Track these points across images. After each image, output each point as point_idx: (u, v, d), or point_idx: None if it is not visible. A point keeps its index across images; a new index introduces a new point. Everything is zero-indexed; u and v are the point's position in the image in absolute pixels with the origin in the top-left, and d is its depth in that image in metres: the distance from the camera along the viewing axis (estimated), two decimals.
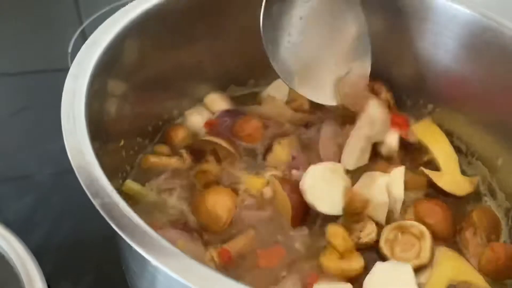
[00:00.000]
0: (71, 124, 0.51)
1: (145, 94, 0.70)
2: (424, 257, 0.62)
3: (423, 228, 0.64)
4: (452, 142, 0.77)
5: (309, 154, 0.71)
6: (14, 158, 0.86)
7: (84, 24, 1.09)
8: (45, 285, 0.63)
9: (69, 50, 1.03)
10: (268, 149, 0.72)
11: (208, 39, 0.75)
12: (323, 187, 0.65)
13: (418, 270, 0.61)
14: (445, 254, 0.63)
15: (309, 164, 0.66)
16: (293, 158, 0.71)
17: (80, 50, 0.59)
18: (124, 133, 0.68)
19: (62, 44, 1.05)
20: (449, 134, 0.78)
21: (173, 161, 0.71)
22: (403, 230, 0.64)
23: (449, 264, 0.62)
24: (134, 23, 0.64)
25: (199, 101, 0.80)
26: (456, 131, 0.78)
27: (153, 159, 0.72)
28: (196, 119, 0.77)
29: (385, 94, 0.77)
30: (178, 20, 0.70)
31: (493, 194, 0.73)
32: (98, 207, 0.44)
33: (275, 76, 0.72)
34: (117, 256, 0.64)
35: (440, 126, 0.79)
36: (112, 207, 0.44)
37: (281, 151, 0.71)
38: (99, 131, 0.57)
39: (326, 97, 0.74)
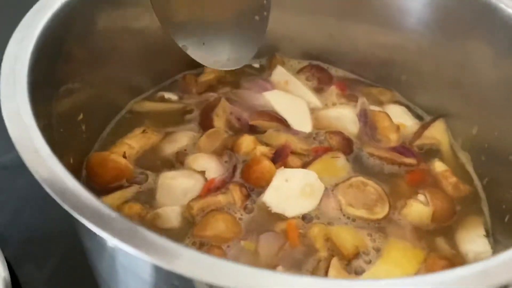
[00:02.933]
0: (11, 88, 0.47)
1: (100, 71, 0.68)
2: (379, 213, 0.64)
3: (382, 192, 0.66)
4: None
5: None
6: None
7: None
8: (6, 269, 0.62)
9: None
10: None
11: None
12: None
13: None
14: (396, 243, 0.62)
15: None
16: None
17: (29, 12, 0.55)
18: (82, 107, 0.65)
19: None
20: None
21: None
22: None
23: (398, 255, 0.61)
24: None
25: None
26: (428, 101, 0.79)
27: None
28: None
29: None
30: None
31: None
32: (39, 180, 0.42)
33: None
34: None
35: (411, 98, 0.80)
36: (54, 181, 0.42)
37: None
38: (49, 105, 0.54)
39: (219, 63, 0.71)
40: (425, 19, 0.72)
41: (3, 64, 0.50)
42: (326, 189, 0.66)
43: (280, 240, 0.60)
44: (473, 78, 0.70)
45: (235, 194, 0.63)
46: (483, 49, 0.68)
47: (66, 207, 0.39)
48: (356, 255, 0.60)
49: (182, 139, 0.71)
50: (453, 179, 0.70)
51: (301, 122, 0.74)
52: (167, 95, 0.78)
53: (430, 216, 0.65)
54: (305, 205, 0.64)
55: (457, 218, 0.66)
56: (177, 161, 0.68)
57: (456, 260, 0.62)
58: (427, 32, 0.73)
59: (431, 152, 0.74)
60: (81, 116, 0.65)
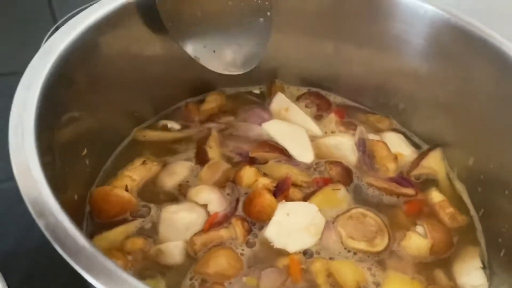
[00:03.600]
0: (19, 138, 0.48)
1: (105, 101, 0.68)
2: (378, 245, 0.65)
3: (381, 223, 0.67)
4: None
5: None
6: None
7: (58, 23, 1.07)
8: None
9: None
10: None
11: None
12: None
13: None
14: (395, 277, 0.63)
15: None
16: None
17: (33, 58, 0.57)
18: (87, 142, 0.66)
19: (36, 44, 1.02)
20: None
21: None
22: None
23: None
24: (91, 29, 0.62)
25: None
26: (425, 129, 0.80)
27: None
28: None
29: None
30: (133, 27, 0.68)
31: None
32: (41, 228, 0.42)
33: None
34: None
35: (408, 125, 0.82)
36: (56, 228, 0.42)
37: None
38: (52, 143, 0.55)
39: (230, 68, 0.74)
40: (422, 49, 0.73)
41: (11, 113, 0.50)
42: (327, 222, 0.67)
43: (282, 276, 0.62)
44: (469, 108, 0.71)
45: (238, 229, 0.64)
46: (478, 80, 0.69)
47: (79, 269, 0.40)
48: None
49: (182, 170, 0.72)
50: (450, 210, 0.71)
51: (302, 152, 0.76)
52: (170, 124, 0.79)
53: (429, 249, 0.66)
54: (307, 240, 0.65)
55: (454, 249, 0.68)
56: (180, 194, 0.69)
57: None
58: (424, 61, 0.74)
59: (428, 182, 0.75)
60: (85, 152, 0.66)
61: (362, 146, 0.76)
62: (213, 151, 0.74)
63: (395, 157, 0.75)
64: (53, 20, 1.09)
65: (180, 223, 0.65)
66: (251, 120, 0.80)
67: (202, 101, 0.82)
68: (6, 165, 0.80)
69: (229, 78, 0.74)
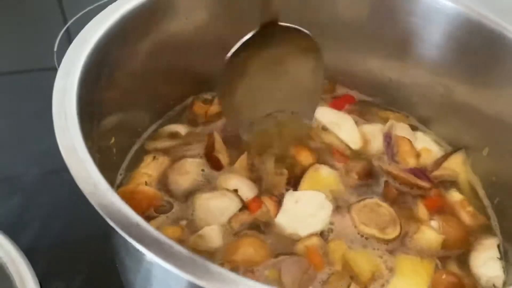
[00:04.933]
0: (63, 121, 0.50)
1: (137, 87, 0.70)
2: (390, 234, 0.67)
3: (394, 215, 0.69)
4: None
5: None
6: (1, 159, 0.84)
7: (69, 23, 1.08)
8: (37, 285, 0.63)
9: (55, 49, 1.02)
10: None
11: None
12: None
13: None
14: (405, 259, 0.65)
15: None
16: None
17: (69, 48, 0.58)
18: (115, 130, 0.67)
19: (48, 43, 1.04)
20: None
21: None
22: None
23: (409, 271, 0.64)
24: (122, 21, 0.64)
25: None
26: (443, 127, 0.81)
27: None
28: None
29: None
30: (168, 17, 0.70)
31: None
32: (95, 205, 0.44)
33: None
34: (108, 254, 0.63)
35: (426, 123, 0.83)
36: (108, 204, 0.44)
37: None
38: (91, 129, 0.56)
39: None
40: (440, 44, 0.75)
41: (53, 99, 0.52)
42: (338, 207, 0.69)
43: (303, 266, 0.63)
44: (487, 105, 0.72)
45: (268, 204, 0.67)
46: (496, 76, 0.70)
47: (124, 234, 0.42)
48: (372, 279, 0.63)
49: (193, 169, 0.72)
50: (470, 208, 0.72)
51: (352, 137, 0.79)
52: (177, 127, 0.79)
53: (440, 244, 0.67)
54: (317, 225, 0.67)
55: (469, 246, 0.69)
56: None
57: (465, 280, 0.65)
58: (441, 57, 0.76)
59: (448, 183, 0.76)
60: (112, 140, 0.67)
61: (388, 138, 0.78)
62: (223, 155, 0.74)
63: (417, 154, 0.78)
64: (63, 20, 1.11)
65: (215, 208, 0.67)
66: None
67: (208, 101, 0.83)
68: (25, 157, 0.83)
69: None
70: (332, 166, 0.74)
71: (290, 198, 0.69)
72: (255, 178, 0.72)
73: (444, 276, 0.64)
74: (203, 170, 0.72)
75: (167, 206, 0.68)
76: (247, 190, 0.69)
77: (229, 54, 0.64)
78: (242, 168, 0.73)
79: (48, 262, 0.71)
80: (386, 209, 0.70)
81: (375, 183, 0.74)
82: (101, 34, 0.61)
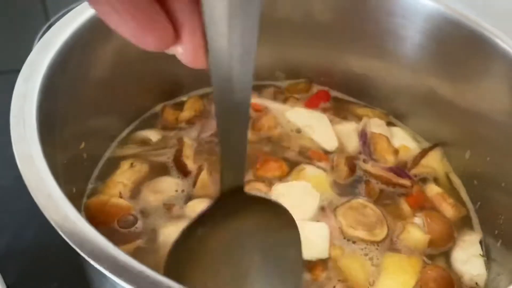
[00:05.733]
0: (21, 128, 0.48)
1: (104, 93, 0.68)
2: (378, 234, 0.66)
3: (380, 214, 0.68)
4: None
5: None
6: None
7: (51, 21, 1.06)
8: None
9: None
10: None
11: None
12: None
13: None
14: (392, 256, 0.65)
15: None
16: None
17: (31, 52, 0.56)
18: (84, 135, 0.65)
19: (28, 42, 1.02)
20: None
21: None
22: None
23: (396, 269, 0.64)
24: (88, 23, 0.62)
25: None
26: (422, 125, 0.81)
27: None
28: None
29: None
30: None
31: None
32: (47, 217, 0.42)
33: None
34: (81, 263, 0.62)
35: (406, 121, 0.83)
36: (65, 220, 0.43)
37: None
38: (53, 135, 0.54)
39: None
40: (420, 43, 0.74)
41: (12, 105, 0.50)
42: (324, 208, 0.68)
43: None
44: (466, 103, 0.72)
45: None
46: (475, 75, 0.70)
47: (82, 253, 0.40)
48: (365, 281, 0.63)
49: (167, 187, 0.70)
50: (451, 200, 0.72)
51: (327, 139, 0.77)
52: (148, 133, 0.77)
53: (427, 243, 0.67)
54: (306, 213, 0.67)
55: (453, 242, 0.68)
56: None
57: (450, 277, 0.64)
58: (421, 56, 0.75)
59: (427, 179, 0.75)
60: (82, 145, 0.65)
61: (364, 137, 0.77)
62: (189, 159, 0.72)
63: (396, 151, 0.76)
64: (45, 18, 1.09)
65: None
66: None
67: (179, 105, 0.81)
68: (1, 161, 0.82)
69: (205, 77, 0.74)
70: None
71: (276, 191, 0.68)
72: None
73: (431, 272, 0.64)
74: (177, 191, 0.69)
75: (131, 220, 0.66)
76: None
77: (179, 234, 0.47)
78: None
79: (20, 270, 0.70)
80: (371, 209, 0.69)
81: (357, 182, 0.73)
82: (66, 38, 0.59)
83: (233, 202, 0.46)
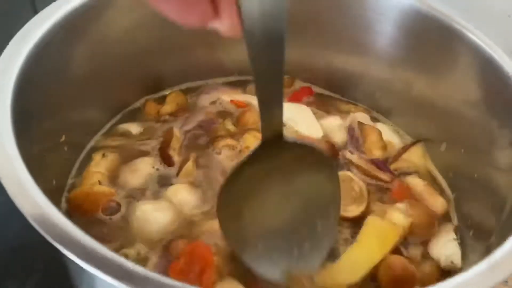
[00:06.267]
0: None
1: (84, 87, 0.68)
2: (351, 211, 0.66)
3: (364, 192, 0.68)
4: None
5: None
6: None
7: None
8: None
9: None
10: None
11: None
12: None
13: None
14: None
15: None
16: None
17: (9, 44, 0.57)
18: (65, 128, 0.66)
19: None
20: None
21: None
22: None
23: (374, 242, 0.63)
24: (65, 18, 0.63)
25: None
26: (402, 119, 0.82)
27: None
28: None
29: None
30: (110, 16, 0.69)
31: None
32: (19, 207, 0.43)
33: None
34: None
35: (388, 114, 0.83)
36: (34, 208, 0.43)
37: None
38: (30, 128, 0.55)
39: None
40: (396, 38, 0.75)
41: None
42: None
43: None
44: (442, 97, 0.73)
45: None
46: (448, 72, 0.71)
47: (52, 241, 0.41)
48: None
49: (144, 167, 0.71)
50: (432, 191, 0.72)
51: (310, 128, 0.78)
52: (129, 126, 0.77)
53: (408, 227, 0.66)
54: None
55: (433, 234, 0.68)
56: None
57: (426, 268, 0.65)
58: (397, 51, 0.76)
59: (408, 174, 0.75)
60: (63, 138, 0.66)
61: (351, 131, 0.78)
62: (175, 152, 0.73)
63: (384, 146, 0.77)
64: (33, 12, 1.09)
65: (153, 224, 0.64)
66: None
67: (161, 99, 0.81)
68: None
69: (188, 72, 0.77)
70: None
71: None
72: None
73: (399, 260, 0.63)
74: (154, 167, 0.71)
75: (115, 206, 0.66)
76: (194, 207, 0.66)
77: (228, 175, 0.55)
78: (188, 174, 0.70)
79: (2, 262, 0.70)
80: (357, 185, 0.69)
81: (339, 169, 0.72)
82: (44, 31, 0.59)
83: (275, 147, 0.53)
